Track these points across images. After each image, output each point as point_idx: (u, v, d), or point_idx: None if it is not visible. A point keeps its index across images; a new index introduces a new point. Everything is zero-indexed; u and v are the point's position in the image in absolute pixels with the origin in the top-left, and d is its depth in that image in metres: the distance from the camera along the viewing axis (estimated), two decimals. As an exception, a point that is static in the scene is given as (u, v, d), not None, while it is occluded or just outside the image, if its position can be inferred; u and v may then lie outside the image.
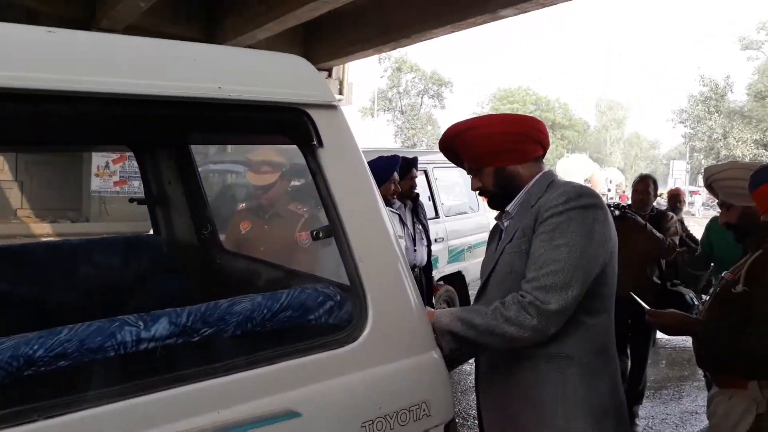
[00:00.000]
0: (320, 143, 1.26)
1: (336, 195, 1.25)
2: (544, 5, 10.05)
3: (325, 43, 14.82)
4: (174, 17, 13.50)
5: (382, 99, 40.53)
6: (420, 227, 3.87)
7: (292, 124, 1.24)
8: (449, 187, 6.29)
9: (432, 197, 5.31)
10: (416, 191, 3.94)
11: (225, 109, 1.15)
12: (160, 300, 1.90)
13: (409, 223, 3.83)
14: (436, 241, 5.19)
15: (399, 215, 3.51)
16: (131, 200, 2.52)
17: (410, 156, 4.12)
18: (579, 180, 33.56)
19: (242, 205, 3.04)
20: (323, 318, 1.26)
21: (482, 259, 6.18)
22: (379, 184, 3.23)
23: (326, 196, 1.25)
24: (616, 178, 38.62)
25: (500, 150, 1.66)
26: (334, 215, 1.25)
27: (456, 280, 5.65)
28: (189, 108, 1.11)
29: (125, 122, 1.14)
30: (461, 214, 5.81)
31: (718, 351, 1.86)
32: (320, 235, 1.29)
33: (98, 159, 12.92)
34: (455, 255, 5.49)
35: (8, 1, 11.67)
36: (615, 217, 3.95)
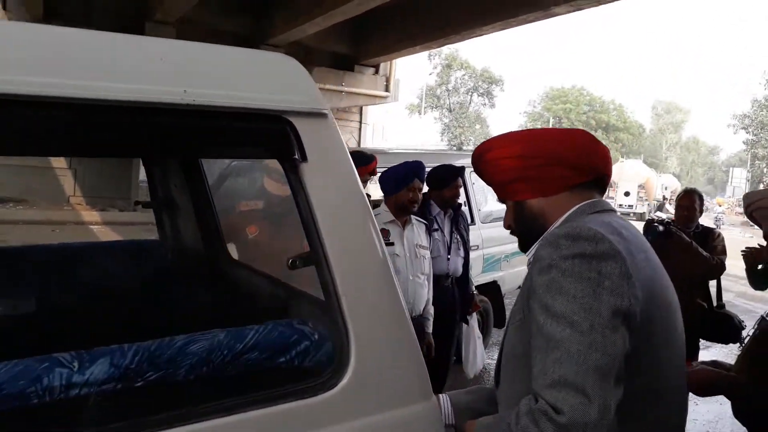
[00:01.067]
0: (303, 157, 1.08)
1: (319, 218, 1.07)
2: (600, 3, 9.65)
3: (373, 39, 14.73)
4: (225, 11, 13.65)
5: (430, 96, 40.13)
6: (458, 237, 3.70)
7: (269, 135, 1.07)
8: (487, 191, 6.04)
9: (468, 202, 5.08)
10: (459, 201, 3.80)
11: (189, 116, 0.99)
12: (157, 308, 1.78)
13: (446, 230, 3.67)
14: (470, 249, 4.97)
15: (426, 225, 3.33)
16: (136, 203, 2.43)
17: (458, 164, 3.96)
18: (633, 186, 32.46)
19: (246, 205, 2.87)
20: (296, 360, 1.08)
21: (520, 269, 5.90)
22: (396, 191, 3.07)
23: (308, 219, 1.08)
24: (671, 184, 37.20)
25: (514, 179, 1.28)
26: (316, 241, 1.07)
27: (491, 290, 5.42)
28: (149, 115, 0.95)
29: (70, 130, 0.98)
30: (498, 220, 5.54)
31: (761, 410, 1.59)
32: (297, 264, 1.11)
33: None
34: (491, 264, 5.24)
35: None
36: (659, 234, 3.68)
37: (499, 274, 5.38)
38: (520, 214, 1.32)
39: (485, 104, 40.11)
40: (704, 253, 3.69)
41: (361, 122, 18.17)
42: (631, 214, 31.41)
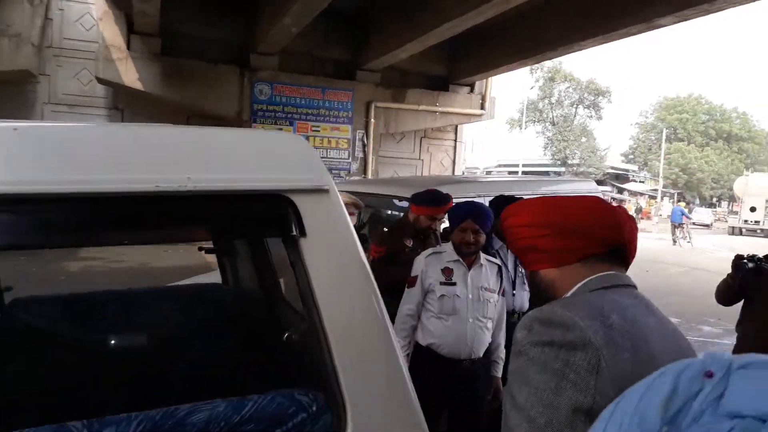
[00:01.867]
0: (302, 233, 1.12)
1: (317, 292, 1.10)
2: (708, 12, 9.04)
3: (468, 58, 14.71)
4: (325, 40, 14.20)
5: (531, 110, 39.19)
6: (522, 271, 3.57)
7: (270, 214, 1.12)
8: None
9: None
10: None
11: (193, 201, 1.06)
12: (209, 354, 1.89)
13: (510, 265, 3.57)
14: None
15: (499, 266, 3.19)
16: (200, 249, 2.59)
17: (515, 195, 3.85)
18: (760, 201, 29.64)
19: None
20: (293, 432, 1.11)
21: None
22: (451, 230, 3.02)
23: (306, 293, 1.11)
24: (805, 198, 33.54)
25: (527, 247, 1.26)
26: (314, 314, 1.10)
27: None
28: (155, 203, 1.03)
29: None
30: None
31: None
32: (293, 338, 1.15)
33: (252, 173, 13.92)
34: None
35: (175, 30, 13.05)
36: (748, 271, 3.35)
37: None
38: (534, 284, 1.30)
39: (591, 116, 38.58)
40: None
41: (456, 140, 18.12)
42: (758, 231, 28.74)
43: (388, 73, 14.88)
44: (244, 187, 1.09)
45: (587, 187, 5.60)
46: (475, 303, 2.95)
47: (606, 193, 37.77)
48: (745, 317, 3.59)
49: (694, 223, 25.42)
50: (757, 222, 29.37)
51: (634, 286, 1.21)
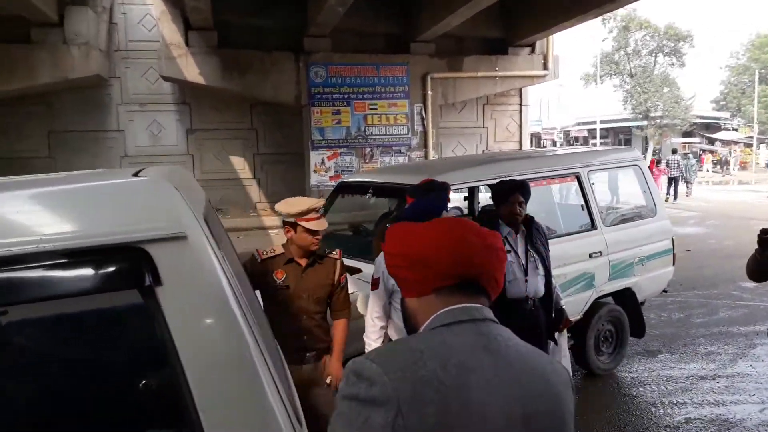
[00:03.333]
0: (156, 282, 1.13)
1: (177, 341, 1.11)
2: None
3: (525, 18, 14.13)
4: (374, 15, 14.07)
5: (606, 63, 37.00)
6: (534, 255, 3.43)
7: (123, 266, 1.14)
8: (614, 191, 5.52)
9: (587, 205, 4.66)
10: (525, 215, 3.47)
11: (45, 261, 1.10)
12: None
13: (521, 251, 3.42)
14: (591, 256, 4.59)
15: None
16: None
17: (519, 178, 3.69)
18: None
19: (272, 250, 2.93)
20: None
21: (664, 271, 5.37)
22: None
23: (166, 340, 1.12)
24: None
25: (392, 275, 1.22)
26: (176, 365, 1.11)
27: (625, 298, 4.94)
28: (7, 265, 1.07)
29: None
30: (629, 221, 5.02)
31: None
32: (150, 386, 1.16)
33: (315, 156, 14.16)
34: (620, 270, 4.77)
35: (229, 22, 13.32)
36: None
37: (632, 280, 4.88)
38: (404, 311, 1.27)
39: (673, 64, 35.88)
40: None
41: (521, 104, 17.51)
42: None
43: (443, 42, 14.54)
44: (95, 243, 1.12)
45: (626, 156, 5.23)
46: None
47: (693, 145, 35.36)
48: None
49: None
50: None
51: (486, 319, 1.14)
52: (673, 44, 35.63)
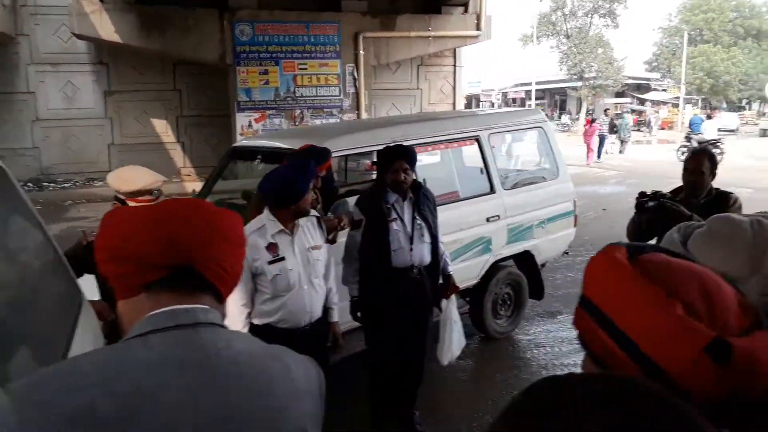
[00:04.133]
0: None
1: None
2: None
3: (456, -24, 13.94)
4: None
5: (544, 24, 37.25)
6: (420, 222, 3.39)
7: None
8: (516, 154, 5.56)
9: (486, 169, 4.67)
10: (413, 181, 3.40)
11: None
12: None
13: (407, 218, 3.37)
14: (489, 220, 4.63)
15: (317, 217, 2.97)
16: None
17: (406, 142, 3.63)
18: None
19: None
20: None
21: (564, 233, 5.42)
22: (289, 203, 2.70)
23: None
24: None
25: (106, 275, 0.98)
26: None
27: (524, 260, 5.03)
28: None
29: None
30: (530, 185, 5.06)
31: None
32: None
33: (242, 118, 13.73)
34: (518, 233, 4.83)
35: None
36: (652, 210, 3.13)
37: (531, 242, 4.95)
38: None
39: (608, 25, 36.48)
40: None
41: (455, 65, 17.48)
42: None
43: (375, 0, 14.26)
44: None
45: (530, 118, 5.24)
46: (306, 268, 2.77)
47: (625, 105, 36.35)
48: None
49: (719, 129, 24.28)
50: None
51: (197, 324, 0.92)
52: (608, 5, 36.15)
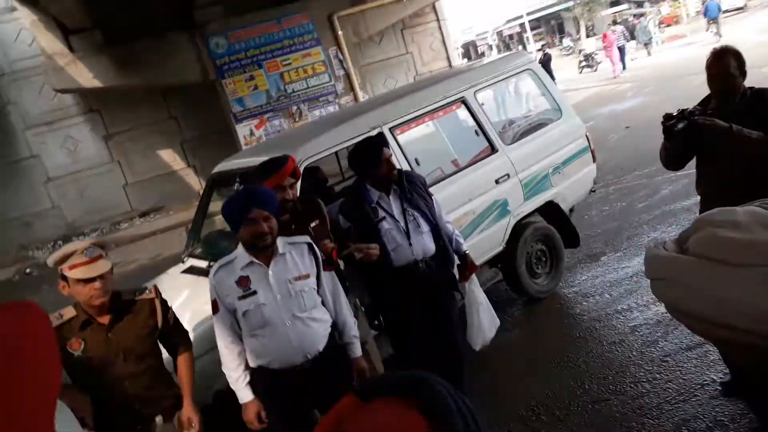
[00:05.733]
0: None
1: None
2: None
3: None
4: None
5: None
6: (413, 213, 3.09)
7: None
8: (509, 104, 5.19)
9: (481, 129, 4.33)
10: (395, 169, 3.10)
11: None
12: None
13: (396, 212, 3.08)
14: (498, 181, 4.31)
15: (307, 244, 2.61)
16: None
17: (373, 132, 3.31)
18: None
19: (59, 315, 2.37)
20: None
21: (584, 172, 5.00)
22: (236, 230, 2.42)
23: None
24: None
25: None
26: None
27: (549, 212, 4.70)
28: None
29: None
30: (533, 132, 4.69)
31: None
32: None
33: (242, 129, 13.55)
34: (535, 186, 4.50)
35: (110, 15, 12.37)
36: (682, 131, 2.74)
37: (551, 192, 4.61)
38: None
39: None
40: (754, 134, 2.69)
41: (438, 20, 16.89)
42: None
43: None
44: None
45: (514, 63, 4.81)
46: (286, 301, 2.47)
47: (624, 12, 34.72)
48: (702, 176, 3.08)
49: (726, 11, 23.03)
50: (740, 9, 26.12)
51: None
52: None
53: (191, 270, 3.90)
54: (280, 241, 2.53)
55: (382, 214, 3.03)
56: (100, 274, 2.27)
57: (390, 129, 3.96)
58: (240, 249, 2.52)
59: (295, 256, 2.54)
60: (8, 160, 14.00)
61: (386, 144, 3.05)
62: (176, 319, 2.59)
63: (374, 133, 3.67)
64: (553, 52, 26.92)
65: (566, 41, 36.39)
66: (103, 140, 14.58)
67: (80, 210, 14.40)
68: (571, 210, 4.97)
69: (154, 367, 2.48)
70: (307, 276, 2.53)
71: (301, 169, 3.29)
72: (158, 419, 2.45)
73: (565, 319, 4.49)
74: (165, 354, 2.61)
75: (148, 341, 2.46)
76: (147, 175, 14.83)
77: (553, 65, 19.75)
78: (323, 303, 2.61)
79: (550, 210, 4.67)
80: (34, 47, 13.14)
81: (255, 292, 2.43)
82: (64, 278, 2.26)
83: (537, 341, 4.25)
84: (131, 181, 14.83)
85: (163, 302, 2.53)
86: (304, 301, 2.50)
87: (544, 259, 4.70)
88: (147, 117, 14.58)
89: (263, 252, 2.45)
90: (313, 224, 2.95)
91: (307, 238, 2.65)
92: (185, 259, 4.20)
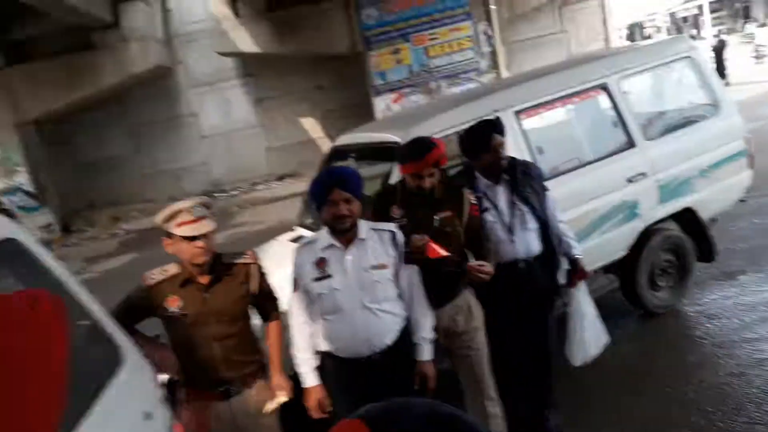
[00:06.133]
0: None
1: None
2: None
3: None
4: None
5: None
6: (521, 207, 2.84)
7: None
8: (657, 95, 4.62)
9: (620, 120, 3.90)
10: (504, 159, 2.82)
11: None
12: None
13: (503, 205, 2.85)
14: (631, 180, 3.89)
15: (392, 232, 2.48)
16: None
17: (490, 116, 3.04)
18: None
19: (164, 271, 2.45)
20: None
21: (736, 179, 4.33)
22: (318, 210, 2.36)
23: None
24: None
25: None
26: None
27: (685, 220, 4.16)
28: None
29: None
30: (682, 128, 4.14)
31: None
32: None
33: (379, 102, 13.71)
34: (675, 189, 3.98)
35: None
36: None
37: (692, 197, 4.06)
38: None
39: None
40: None
41: (601, -5, 15.79)
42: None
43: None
44: None
45: (671, 49, 4.24)
46: (359, 290, 2.37)
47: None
48: None
49: None
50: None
51: None
52: None
53: (298, 240, 3.98)
54: (364, 226, 2.44)
55: (486, 204, 2.83)
56: (204, 233, 2.34)
57: (515, 113, 3.71)
58: (323, 230, 2.48)
59: (376, 243, 2.45)
60: (170, 116, 15.41)
61: (500, 130, 2.83)
62: (269, 286, 2.62)
63: (493, 116, 3.43)
64: (733, 39, 24.02)
65: (750, 27, 32.22)
66: (253, 104, 15.52)
67: (224, 168, 15.52)
68: (713, 220, 4.38)
69: (243, 332, 2.51)
70: (385, 266, 2.43)
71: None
72: (233, 388, 2.44)
73: (682, 339, 3.98)
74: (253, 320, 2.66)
75: (241, 305, 2.50)
76: (287, 140, 15.58)
77: (729, 54, 17.66)
78: (400, 297, 2.50)
79: (686, 217, 4.14)
80: (205, 11, 14.21)
81: (330, 276, 2.39)
82: (169, 236, 2.37)
83: (645, 360, 3.81)
84: (272, 146, 15.68)
85: (260, 268, 2.57)
86: (376, 292, 2.40)
87: (670, 270, 4.19)
88: (296, 84, 15.26)
89: (343, 235, 2.39)
90: (441, 215, 2.65)
91: (392, 226, 2.53)
92: (295, 228, 4.29)
